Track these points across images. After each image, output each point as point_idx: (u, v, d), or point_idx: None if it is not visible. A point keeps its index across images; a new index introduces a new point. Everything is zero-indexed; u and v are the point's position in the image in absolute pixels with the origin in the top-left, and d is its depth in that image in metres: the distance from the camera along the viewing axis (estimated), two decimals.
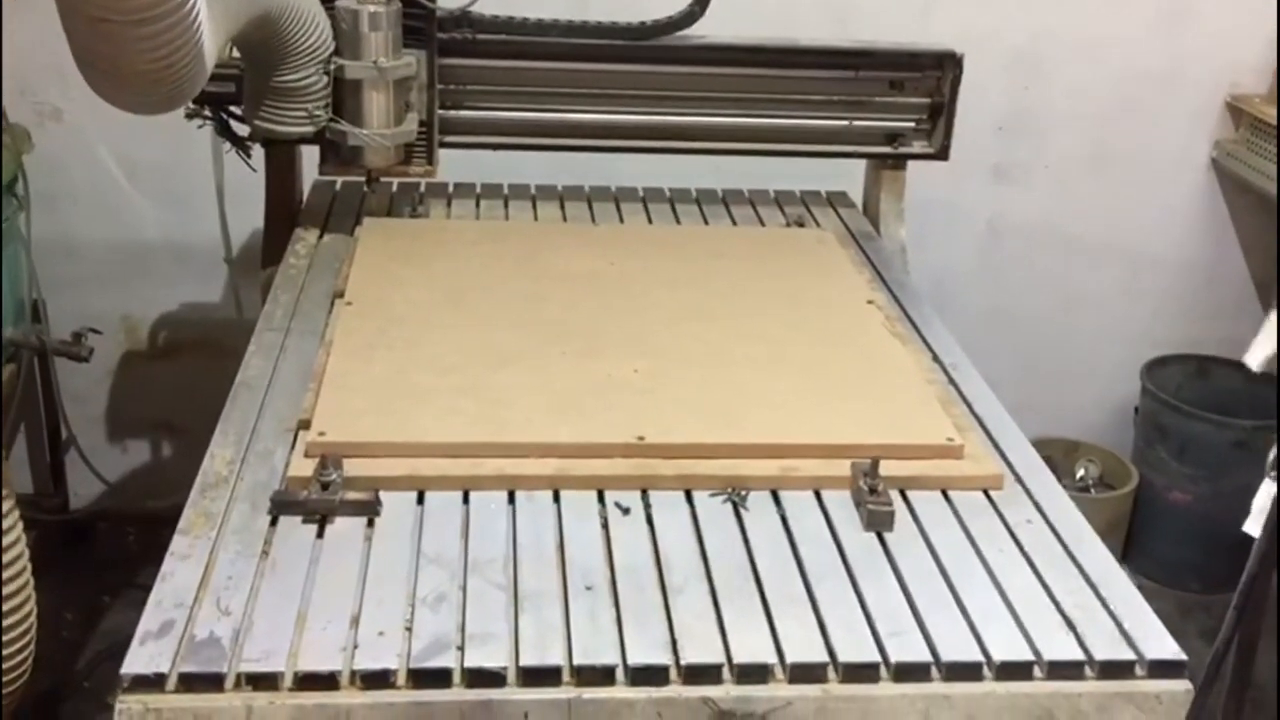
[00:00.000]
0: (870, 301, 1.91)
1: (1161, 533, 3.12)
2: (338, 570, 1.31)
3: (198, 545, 1.33)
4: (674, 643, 1.23)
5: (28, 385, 2.80)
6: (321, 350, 1.71)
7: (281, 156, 2.22)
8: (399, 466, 1.46)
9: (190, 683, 1.15)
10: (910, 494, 1.49)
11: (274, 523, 1.38)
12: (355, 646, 1.20)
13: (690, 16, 2.16)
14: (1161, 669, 1.24)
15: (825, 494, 1.48)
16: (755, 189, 2.44)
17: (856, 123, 2.31)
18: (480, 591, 1.29)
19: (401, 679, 1.17)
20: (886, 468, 1.46)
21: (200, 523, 1.37)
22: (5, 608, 1.71)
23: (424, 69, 2.09)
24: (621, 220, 2.27)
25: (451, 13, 2.11)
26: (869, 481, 1.44)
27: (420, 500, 1.44)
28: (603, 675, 1.19)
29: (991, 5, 2.91)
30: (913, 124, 2.32)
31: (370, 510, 1.40)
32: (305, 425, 1.52)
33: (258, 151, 2.18)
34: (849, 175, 2.47)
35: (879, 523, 1.42)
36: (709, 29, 2.20)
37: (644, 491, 1.46)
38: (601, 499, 1.45)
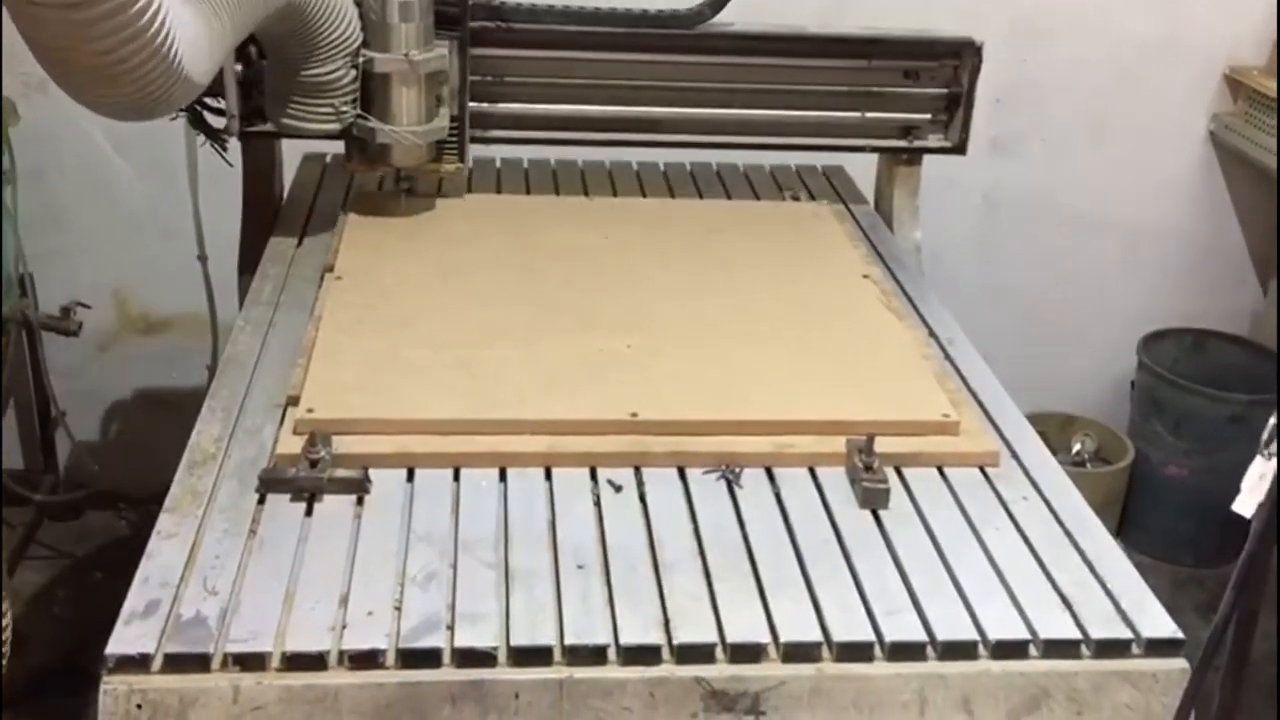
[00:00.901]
0: (866, 276, 1.90)
1: (1157, 507, 3.11)
2: (326, 549, 1.29)
3: (184, 524, 1.32)
4: (666, 622, 1.21)
5: (17, 360, 2.78)
6: (311, 325, 1.68)
7: (260, 151, 2.13)
8: (388, 444, 1.44)
9: (176, 663, 1.14)
10: (906, 471, 1.47)
11: (262, 501, 1.37)
12: (344, 626, 1.18)
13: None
14: (1158, 648, 1.23)
15: (820, 471, 1.46)
16: (751, 164, 2.40)
17: (869, 115, 2.19)
18: (471, 570, 1.27)
19: (391, 659, 1.16)
20: (882, 444, 1.45)
21: (187, 501, 1.36)
22: None
23: (455, 60, 1.97)
24: (615, 194, 2.25)
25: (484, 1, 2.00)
26: (864, 459, 1.43)
27: (410, 478, 1.42)
28: (595, 655, 1.17)
29: None
30: (929, 116, 2.20)
31: (359, 488, 1.38)
32: (294, 402, 1.50)
33: (235, 142, 2.04)
34: (854, 164, 2.40)
35: (874, 500, 1.40)
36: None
37: (637, 469, 1.45)
38: (594, 476, 1.44)
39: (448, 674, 1.16)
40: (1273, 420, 1.16)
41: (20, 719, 2.42)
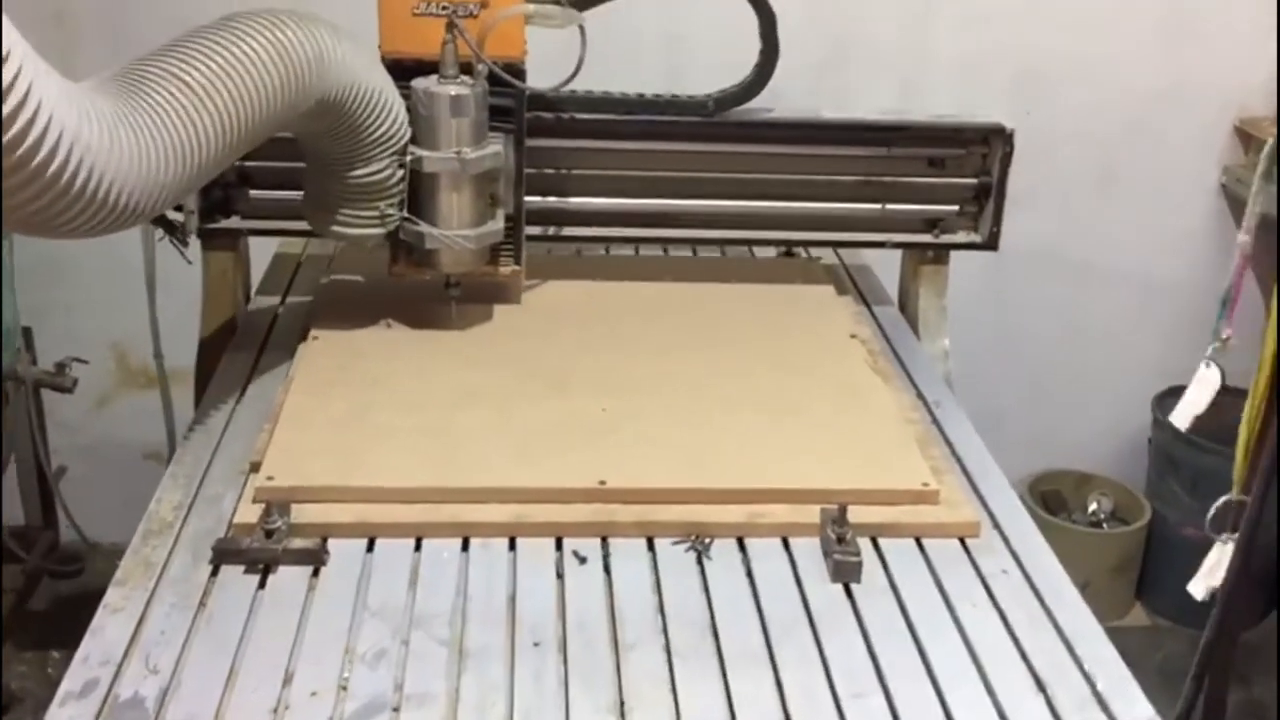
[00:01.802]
0: (854, 335, 1.85)
1: (1175, 569, 3.01)
2: (276, 624, 1.26)
3: (133, 597, 1.28)
4: (621, 705, 1.17)
5: (15, 414, 2.77)
6: (281, 388, 1.66)
7: (223, 251, 1.94)
8: (348, 512, 1.40)
9: None
10: (882, 541, 1.42)
11: (215, 573, 1.33)
12: (286, 708, 1.14)
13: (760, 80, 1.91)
14: None
15: (793, 541, 1.42)
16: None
17: (890, 206, 2.01)
18: (423, 648, 1.23)
19: None
20: (858, 514, 1.40)
21: (138, 573, 1.32)
22: None
23: (511, 156, 1.80)
24: (607, 252, 2.21)
25: (543, 92, 1.80)
26: (837, 530, 1.38)
27: (370, 547, 1.38)
28: None
29: (991, 27, 2.85)
30: (956, 208, 2.02)
31: (315, 559, 1.35)
32: (256, 468, 1.47)
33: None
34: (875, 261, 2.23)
35: (846, 574, 1.35)
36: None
37: (604, 539, 1.41)
38: (559, 546, 1.40)
39: None
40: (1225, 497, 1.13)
41: None
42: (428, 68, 1.71)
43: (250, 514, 1.39)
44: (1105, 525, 3.09)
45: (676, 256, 2.20)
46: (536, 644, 1.24)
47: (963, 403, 1.78)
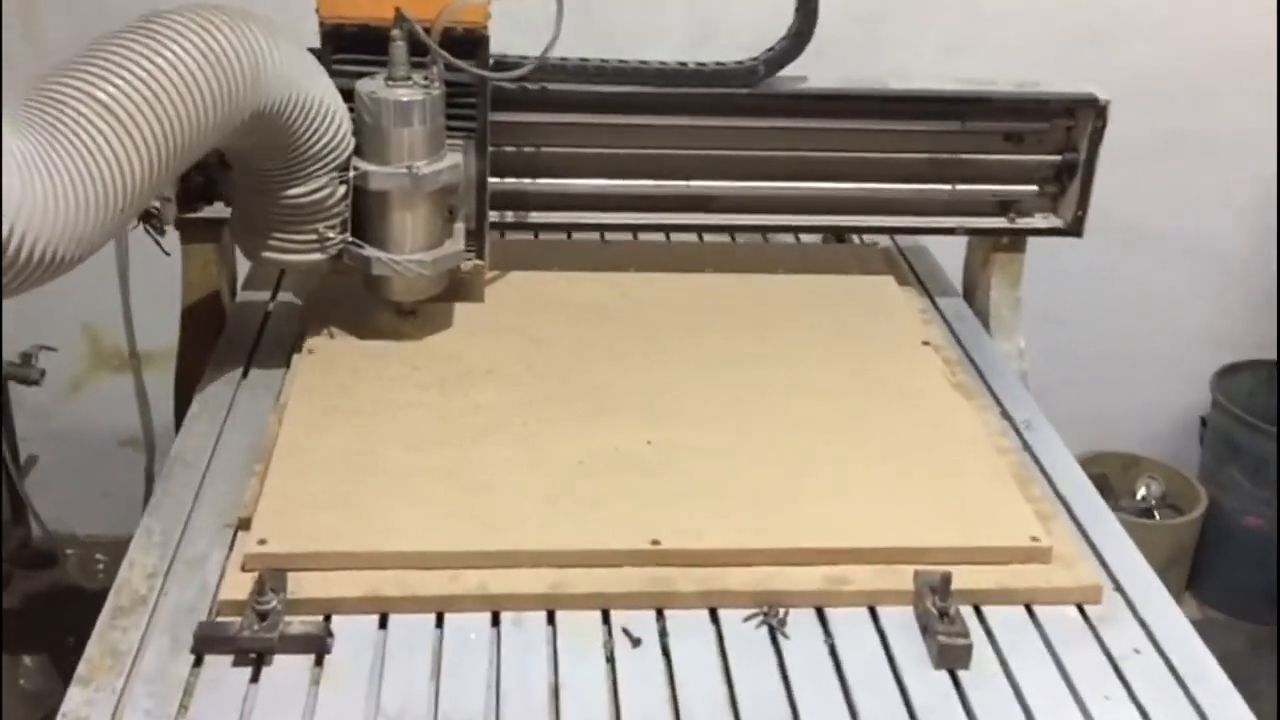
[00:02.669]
0: (926, 342, 1.62)
1: (1232, 560, 2.83)
2: None
3: (98, 700, 1.06)
4: None
5: None
6: (273, 415, 1.43)
7: (205, 242, 1.73)
8: (356, 583, 1.18)
9: None
10: (986, 610, 1.21)
11: (198, 663, 1.11)
12: None
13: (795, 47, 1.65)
14: None
15: (882, 611, 1.20)
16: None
17: (960, 187, 1.77)
18: None
19: None
20: (956, 576, 1.18)
21: (105, 666, 1.10)
22: None
23: (472, 160, 1.55)
24: (635, 236, 1.96)
25: (505, 81, 1.54)
26: (938, 603, 1.16)
27: (383, 624, 1.16)
28: None
29: None
30: (1034, 188, 1.79)
31: (318, 645, 1.12)
32: (245, 525, 1.24)
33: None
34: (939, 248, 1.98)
35: (953, 659, 1.14)
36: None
37: (660, 611, 1.19)
38: (607, 620, 1.18)
39: None
40: None
41: None
42: (373, 35, 1.46)
43: (239, 588, 1.16)
44: (1157, 514, 2.88)
45: (713, 243, 1.95)
46: None
47: None
